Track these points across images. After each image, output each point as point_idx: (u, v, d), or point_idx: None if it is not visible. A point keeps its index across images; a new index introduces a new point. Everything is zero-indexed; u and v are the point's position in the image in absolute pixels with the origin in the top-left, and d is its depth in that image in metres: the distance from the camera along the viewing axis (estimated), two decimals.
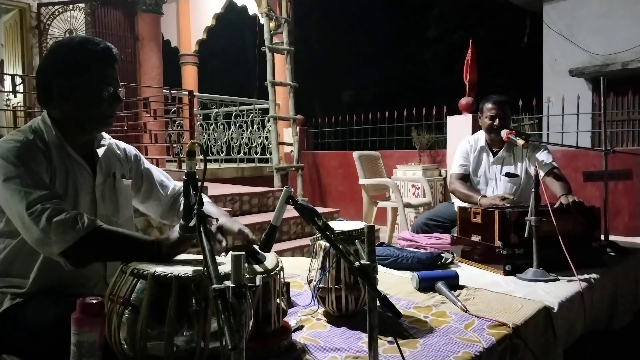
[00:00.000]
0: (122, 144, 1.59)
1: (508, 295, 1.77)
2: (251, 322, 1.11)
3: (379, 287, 1.18)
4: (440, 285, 1.78)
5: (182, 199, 1.57)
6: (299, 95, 6.81)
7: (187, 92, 5.86)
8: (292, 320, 1.49)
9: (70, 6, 6.74)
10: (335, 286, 1.47)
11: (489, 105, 2.78)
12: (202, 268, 1.01)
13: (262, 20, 6.62)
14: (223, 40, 12.81)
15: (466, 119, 5.54)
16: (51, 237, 1.16)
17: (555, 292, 1.80)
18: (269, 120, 6.63)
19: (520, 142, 2.59)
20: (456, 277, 1.89)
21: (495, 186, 2.83)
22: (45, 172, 1.28)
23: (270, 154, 6.72)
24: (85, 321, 1.01)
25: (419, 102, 6.82)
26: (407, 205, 4.97)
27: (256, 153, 7.20)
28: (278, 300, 1.28)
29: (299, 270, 1.98)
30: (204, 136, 7.60)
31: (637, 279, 2.42)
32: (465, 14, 13.28)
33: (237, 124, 7.29)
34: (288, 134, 7.09)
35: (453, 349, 1.31)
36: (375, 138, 7.11)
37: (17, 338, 1.25)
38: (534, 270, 1.98)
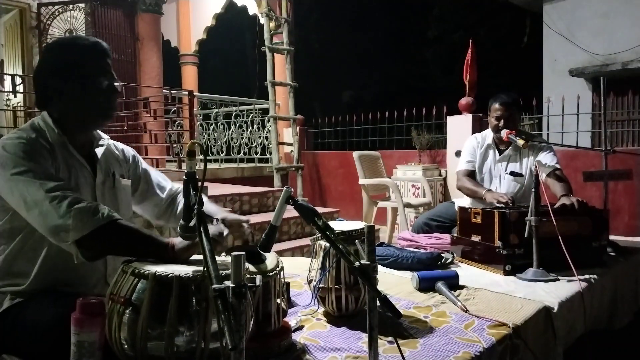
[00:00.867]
0: (120, 145, 1.60)
1: (508, 295, 1.77)
2: (251, 322, 1.11)
3: (379, 287, 1.18)
4: (440, 285, 1.78)
5: (179, 200, 1.59)
6: (299, 95, 6.81)
7: (187, 92, 5.86)
8: (292, 320, 1.49)
9: (70, 6, 6.75)
10: (335, 286, 1.47)
11: (495, 106, 2.79)
12: (202, 268, 1.01)
13: (262, 20, 6.62)
14: (223, 40, 12.82)
15: (466, 119, 5.54)
16: (69, 224, 1.16)
17: (555, 292, 1.80)
18: (269, 120, 6.63)
19: (520, 142, 2.59)
20: (456, 277, 1.89)
21: (499, 184, 2.84)
22: (52, 168, 1.29)
23: (270, 154, 6.72)
24: (86, 321, 1.01)
25: (419, 102, 6.82)
26: (407, 205, 4.97)
27: (256, 153, 7.20)
28: (278, 300, 1.28)
29: (299, 270, 1.98)
30: (204, 136, 7.60)
31: (637, 279, 2.42)
32: (465, 14, 13.27)
33: (237, 124, 7.29)
34: (288, 134, 7.10)
35: (453, 349, 1.31)
36: (375, 138, 7.11)
37: (17, 338, 1.25)
38: (534, 270, 1.98)
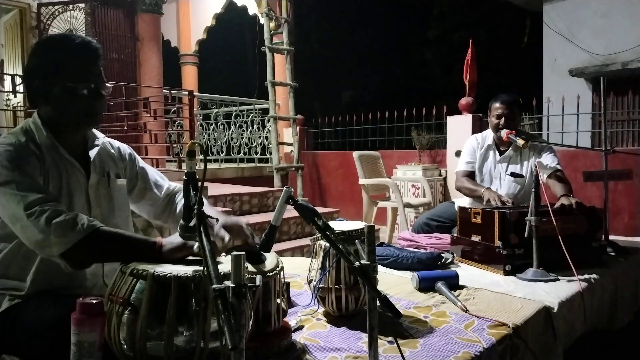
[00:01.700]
0: (117, 143, 1.57)
1: (508, 295, 1.77)
2: (251, 322, 1.11)
3: (379, 287, 1.18)
4: (440, 285, 1.78)
5: (177, 199, 1.57)
6: (299, 95, 6.82)
7: (187, 92, 5.87)
8: (292, 320, 1.49)
9: (70, 6, 6.74)
10: (335, 286, 1.47)
11: (496, 105, 2.78)
12: (201, 268, 1.01)
13: (262, 20, 6.62)
14: (223, 40, 12.82)
15: (466, 119, 5.54)
16: (51, 238, 1.15)
17: (555, 292, 1.80)
18: (269, 120, 6.63)
19: (520, 142, 2.59)
20: (456, 277, 1.89)
21: (500, 185, 2.83)
22: (39, 175, 1.27)
23: (270, 154, 6.72)
24: (85, 321, 1.01)
25: (419, 102, 6.82)
26: (407, 205, 4.97)
27: (256, 153, 7.21)
28: (278, 300, 1.28)
29: (299, 270, 1.98)
30: (204, 136, 7.60)
31: (637, 279, 2.42)
32: (465, 14, 13.27)
33: (237, 124, 7.29)
34: (288, 134, 7.10)
35: (453, 349, 1.31)
36: (375, 138, 7.11)
37: (17, 338, 1.25)
38: (534, 270, 1.98)
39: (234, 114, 7.33)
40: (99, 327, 1.02)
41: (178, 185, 1.60)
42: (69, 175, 1.35)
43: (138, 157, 1.61)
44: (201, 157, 4.31)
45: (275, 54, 6.75)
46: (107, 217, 1.42)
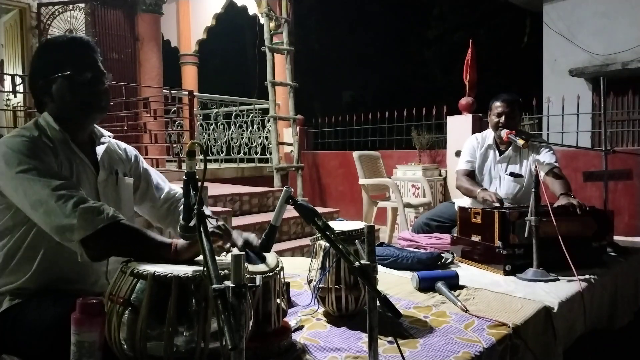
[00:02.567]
0: (123, 144, 1.60)
1: (508, 295, 1.77)
2: (251, 322, 1.11)
3: (379, 287, 1.18)
4: (440, 285, 1.78)
5: (180, 206, 1.58)
6: (299, 95, 6.82)
7: (187, 92, 5.87)
8: (292, 320, 1.49)
9: (70, 6, 6.75)
10: (335, 286, 1.47)
11: (497, 103, 2.79)
12: (202, 268, 1.01)
13: (262, 20, 6.63)
14: (223, 40, 12.81)
15: (466, 119, 5.54)
16: (74, 223, 1.17)
17: (555, 292, 1.80)
18: (269, 120, 6.63)
19: (520, 142, 2.59)
20: (456, 277, 1.89)
21: (499, 185, 2.84)
22: (54, 167, 1.30)
23: (270, 154, 6.72)
24: (85, 321, 1.01)
25: (419, 102, 6.82)
26: (407, 205, 4.97)
27: (256, 153, 7.21)
28: (278, 300, 1.28)
29: (299, 270, 1.98)
30: (204, 136, 7.60)
31: (637, 279, 2.42)
32: (465, 14, 13.27)
33: (237, 124, 7.29)
34: (288, 134, 7.10)
35: (453, 349, 1.31)
36: (375, 138, 7.11)
37: (17, 338, 1.25)
38: (534, 270, 1.98)
39: (234, 114, 7.33)
40: (99, 327, 1.02)
41: (179, 191, 1.61)
42: (79, 171, 1.38)
43: (142, 159, 1.64)
44: (201, 157, 4.31)
45: (275, 54, 6.75)
46: None
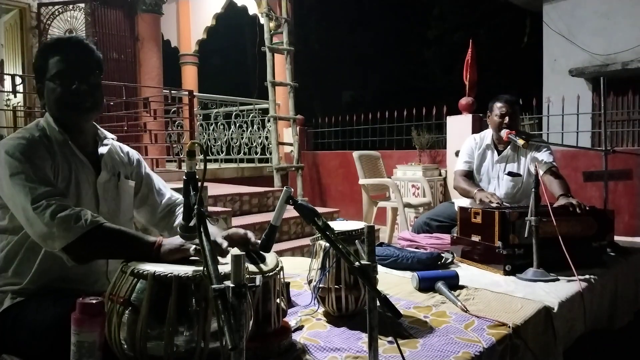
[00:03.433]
0: (126, 147, 1.61)
1: (508, 295, 1.77)
2: (251, 322, 1.11)
3: (379, 287, 1.18)
4: (440, 285, 1.78)
5: (177, 211, 1.58)
6: (299, 95, 6.82)
7: (187, 92, 5.87)
8: (292, 320, 1.49)
9: (70, 6, 6.75)
10: (335, 286, 1.47)
11: (499, 104, 2.80)
12: (202, 268, 1.01)
13: (262, 20, 6.62)
14: (223, 40, 12.80)
15: (466, 119, 5.54)
16: (54, 232, 1.18)
17: (555, 292, 1.80)
18: (269, 120, 6.63)
19: (520, 142, 2.59)
20: (456, 277, 1.89)
21: (498, 185, 2.84)
22: (50, 169, 1.30)
23: (270, 154, 6.72)
24: (85, 321, 1.01)
25: (419, 102, 6.81)
26: (407, 205, 4.97)
27: (256, 153, 7.21)
28: (278, 300, 1.28)
29: (299, 270, 1.98)
30: (204, 136, 7.60)
31: (637, 279, 2.42)
32: (465, 14, 13.27)
33: (237, 124, 7.29)
34: (288, 134, 7.10)
35: (453, 349, 1.31)
36: (375, 138, 7.11)
37: (17, 338, 1.26)
38: (534, 270, 1.98)
39: (234, 114, 7.33)
40: (99, 327, 1.02)
41: (180, 198, 1.60)
42: (78, 172, 1.38)
43: (144, 163, 1.64)
44: (201, 157, 4.31)
45: (275, 54, 6.75)
46: (113, 216, 1.43)
